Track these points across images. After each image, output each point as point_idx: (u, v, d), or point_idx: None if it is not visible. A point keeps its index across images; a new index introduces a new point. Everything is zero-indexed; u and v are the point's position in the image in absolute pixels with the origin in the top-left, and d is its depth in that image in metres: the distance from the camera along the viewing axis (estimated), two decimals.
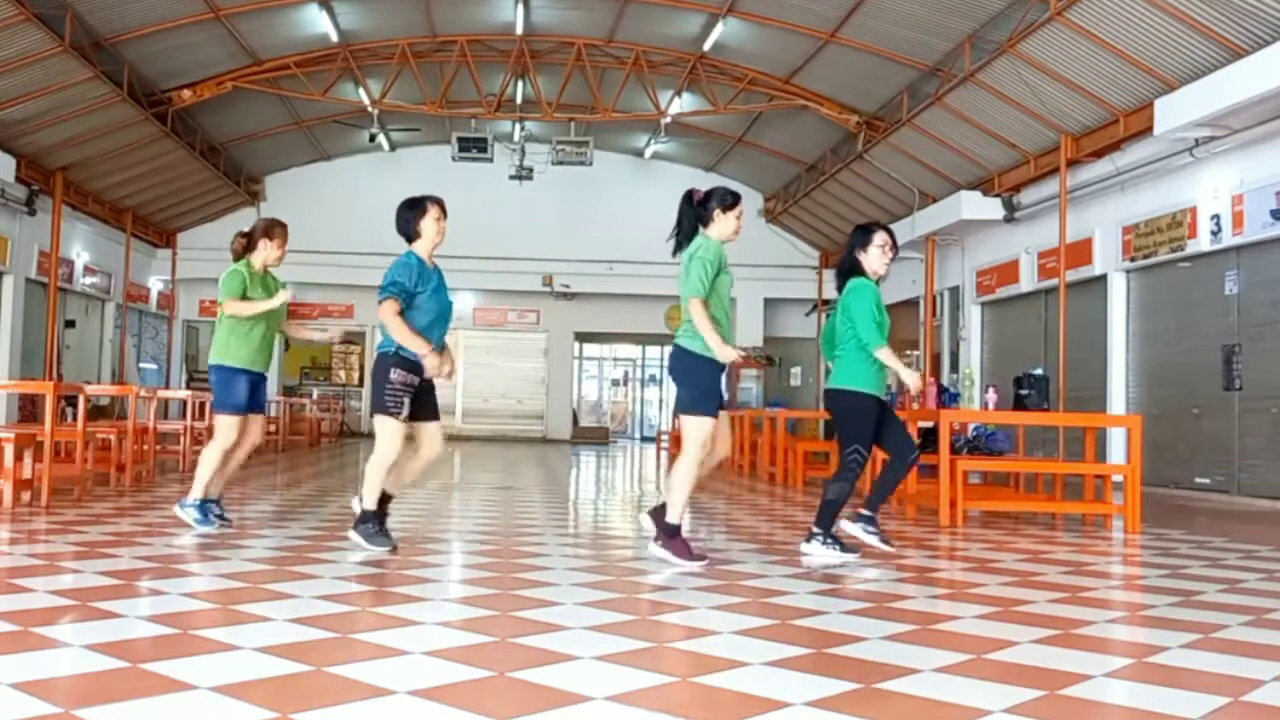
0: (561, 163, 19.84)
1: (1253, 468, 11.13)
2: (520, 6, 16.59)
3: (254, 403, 6.08)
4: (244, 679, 2.80)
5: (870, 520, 5.63)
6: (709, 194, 5.38)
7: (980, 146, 15.53)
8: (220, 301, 6.00)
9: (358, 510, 5.34)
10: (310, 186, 23.00)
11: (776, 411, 13.89)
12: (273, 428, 15.06)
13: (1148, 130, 11.82)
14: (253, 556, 5.04)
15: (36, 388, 10.47)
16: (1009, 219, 15.66)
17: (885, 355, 5.44)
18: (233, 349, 5.98)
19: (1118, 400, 13.33)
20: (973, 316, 17.46)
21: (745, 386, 23.93)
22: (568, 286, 23.94)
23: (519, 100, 19.83)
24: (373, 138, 20.38)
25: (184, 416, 11.59)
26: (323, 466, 12.51)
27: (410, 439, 5.35)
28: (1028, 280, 15.65)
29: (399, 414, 5.17)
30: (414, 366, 5.17)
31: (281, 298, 6.01)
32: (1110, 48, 11.88)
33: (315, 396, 21.34)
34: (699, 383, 5.10)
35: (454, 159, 19.19)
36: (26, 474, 6.90)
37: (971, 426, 8.60)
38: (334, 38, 17.01)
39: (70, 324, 18.97)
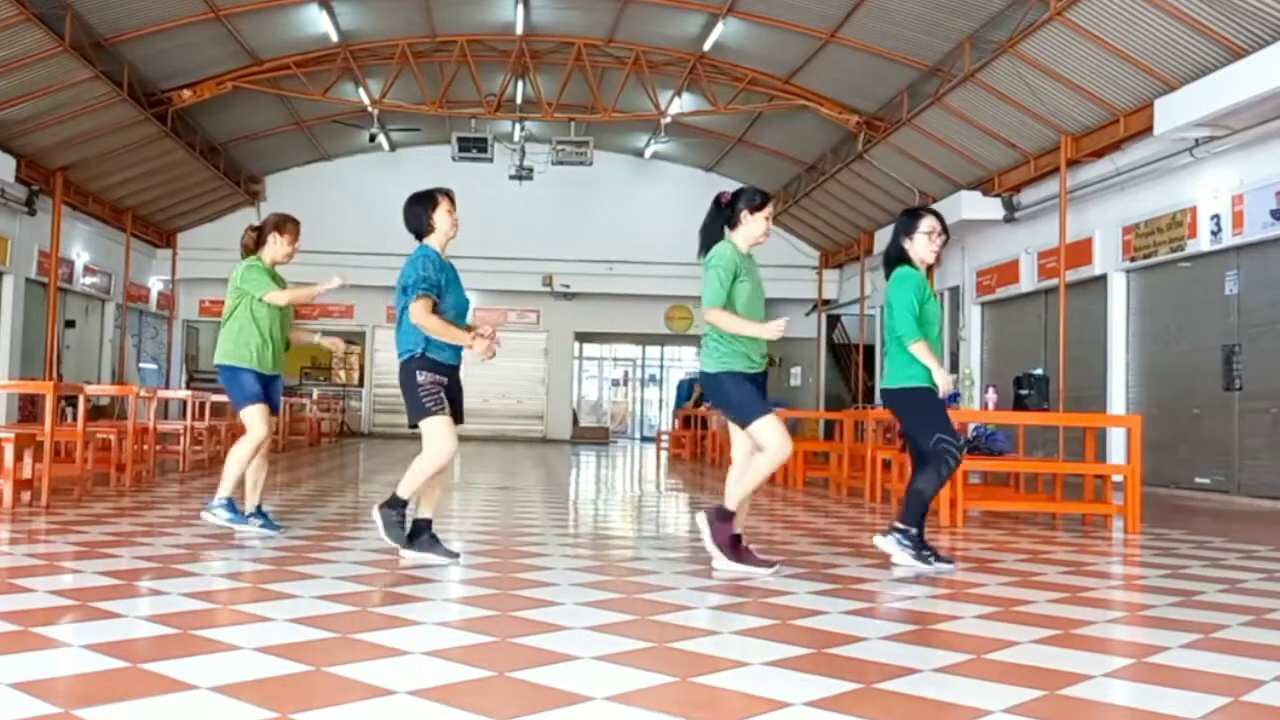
0: (561, 163, 19.84)
1: (1253, 468, 11.13)
2: (520, 6, 16.59)
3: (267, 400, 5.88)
4: (244, 679, 2.80)
5: (905, 533, 5.26)
6: (736, 195, 5.11)
7: (980, 146, 15.53)
8: (254, 295, 5.74)
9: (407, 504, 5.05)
10: (310, 186, 22.99)
11: (777, 411, 13.84)
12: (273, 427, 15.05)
13: (1148, 130, 11.82)
14: (253, 556, 5.04)
15: (36, 388, 10.47)
16: (1009, 219, 15.66)
17: (920, 351, 5.16)
18: (240, 350, 5.78)
19: (1118, 400, 13.33)
20: (973, 316, 17.46)
21: None
22: (568, 286, 23.94)
23: (519, 100, 19.84)
24: (373, 138, 20.38)
25: (184, 416, 11.59)
26: (323, 467, 12.51)
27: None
28: (1028, 280, 15.65)
29: (443, 409, 4.91)
30: (440, 367, 4.94)
31: (332, 283, 5.75)
32: (1110, 48, 11.88)
33: (315, 396, 21.33)
34: (733, 396, 4.94)
35: (454, 159, 19.20)
36: (26, 474, 6.90)
37: (971, 426, 8.59)
38: (334, 38, 17.02)
39: (70, 324, 18.97)
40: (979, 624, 3.90)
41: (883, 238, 18.38)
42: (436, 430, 4.89)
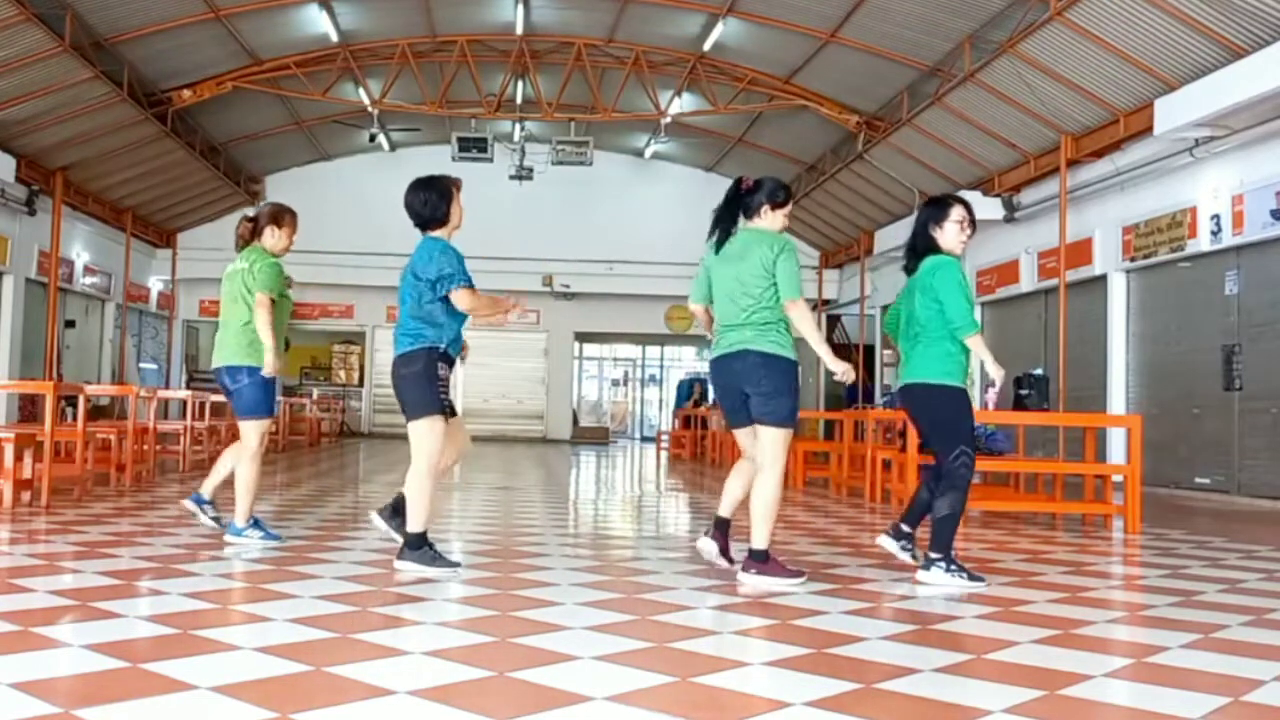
0: (561, 163, 19.84)
1: (1253, 468, 11.13)
2: (520, 6, 16.59)
3: None
4: (244, 679, 2.80)
5: (945, 559, 4.80)
6: (758, 183, 4.82)
7: (980, 146, 15.53)
8: (256, 290, 5.47)
9: (393, 533, 4.92)
10: (310, 186, 22.98)
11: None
12: (273, 428, 15.06)
13: (1148, 130, 11.82)
14: (253, 556, 5.04)
15: (36, 388, 10.46)
16: (1009, 219, 15.66)
17: (978, 344, 4.83)
18: (256, 351, 5.53)
19: (1118, 400, 13.33)
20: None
21: None
22: (568, 286, 23.94)
23: (519, 100, 19.84)
24: (373, 138, 20.37)
25: (184, 416, 11.59)
26: (322, 467, 12.51)
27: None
28: (1028, 280, 15.65)
29: (449, 408, 4.79)
30: (450, 361, 4.80)
31: (270, 367, 5.52)
32: (1110, 48, 11.88)
33: (315, 396, 21.32)
34: (794, 393, 4.67)
35: (454, 159, 19.16)
36: (26, 474, 6.90)
37: None
38: (334, 38, 17.01)
39: (70, 324, 18.96)
40: (979, 624, 3.90)
41: (883, 238, 18.40)
42: (436, 430, 4.70)
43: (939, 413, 4.93)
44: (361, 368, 25.30)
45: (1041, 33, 12.38)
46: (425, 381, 4.69)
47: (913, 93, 15.84)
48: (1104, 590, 4.94)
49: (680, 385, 24.93)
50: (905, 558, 5.15)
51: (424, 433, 4.71)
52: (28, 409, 16.10)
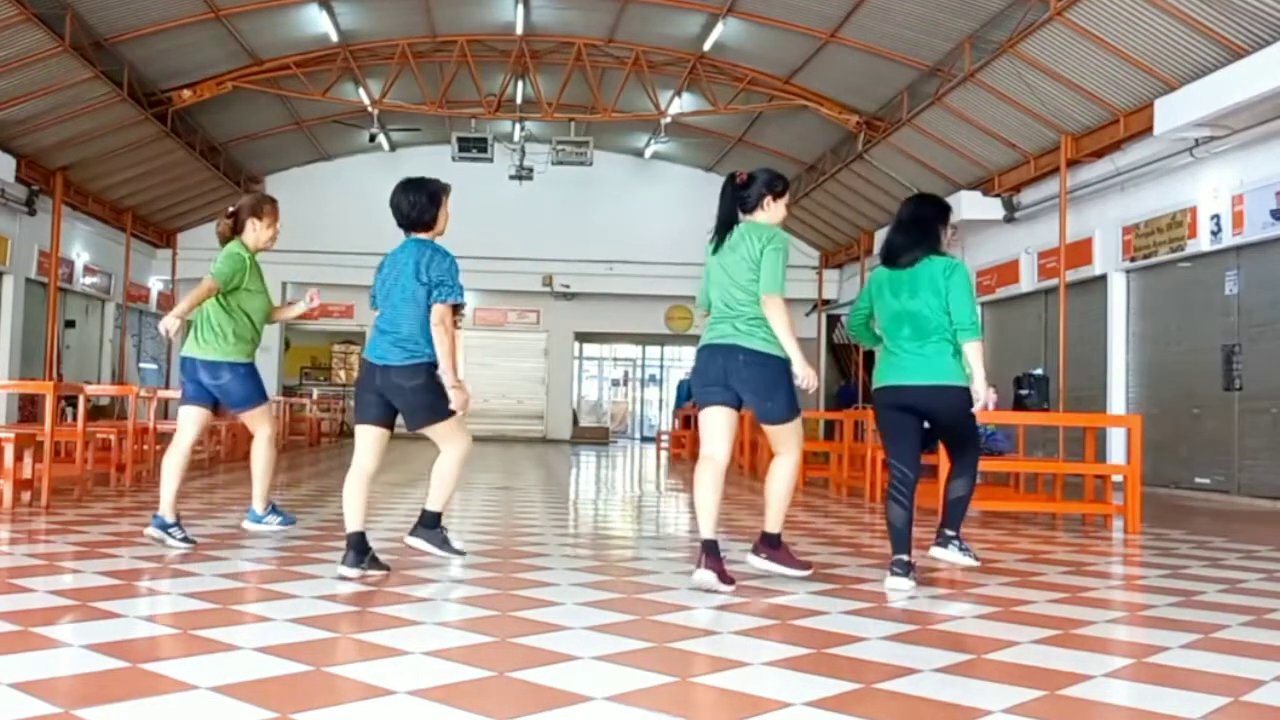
0: (561, 163, 19.85)
1: (1253, 468, 11.13)
2: (520, 6, 16.59)
3: None
4: (244, 679, 2.80)
5: (959, 538, 5.15)
6: (752, 176, 4.73)
7: (980, 146, 15.53)
8: (210, 271, 5.35)
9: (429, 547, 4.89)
10: (310, 186, 22.99)
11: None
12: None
13: (1148, 130, 11.82)
14: (253, 556, 5.04)
15: (36, 388, 10.47)
16: (1009, 219, 15.66)
17: (979, 351, 4.82)
18: (242, 346, 5.45)
19: (1118, 400, 13.33)
20: None
21: None
22: (568, 286, 23.94)
23: (519, 100, 19.84)
24: (373, 138, 20.37)
25: None
26: (322, 466, 12.50)
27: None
28: (1028, 280, 15.65)
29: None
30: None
31: (298, 308, 5.56)
32: (1110, 48, 11.88)
33: (315, 396, 21.33)
34: (790, 385, 4.59)
35: (454, 159, 19.19)
36: (26, 474, 6.90)
37: None
38: (334, 38, 17.01)
39: (70, 324, 18.96)
40: (979, 624, 3.90)
41: (883, 238, 18.37)
42: (461, 427, 4.77)
43: (966, 414, 4.90)
44: (361, 368, 25.30)
45: (1041, 33, 12.38)
46: (433, 391, 4.65)
47: (913, 93, 15.84)
48: (1104, 590, 4.93)
49: (680, 385, 24.90)
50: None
51: (452, 428, 4.74)
52: (28, 409, 16.10)
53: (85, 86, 14.84)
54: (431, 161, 21.50)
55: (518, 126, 20.91)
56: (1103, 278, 13.71)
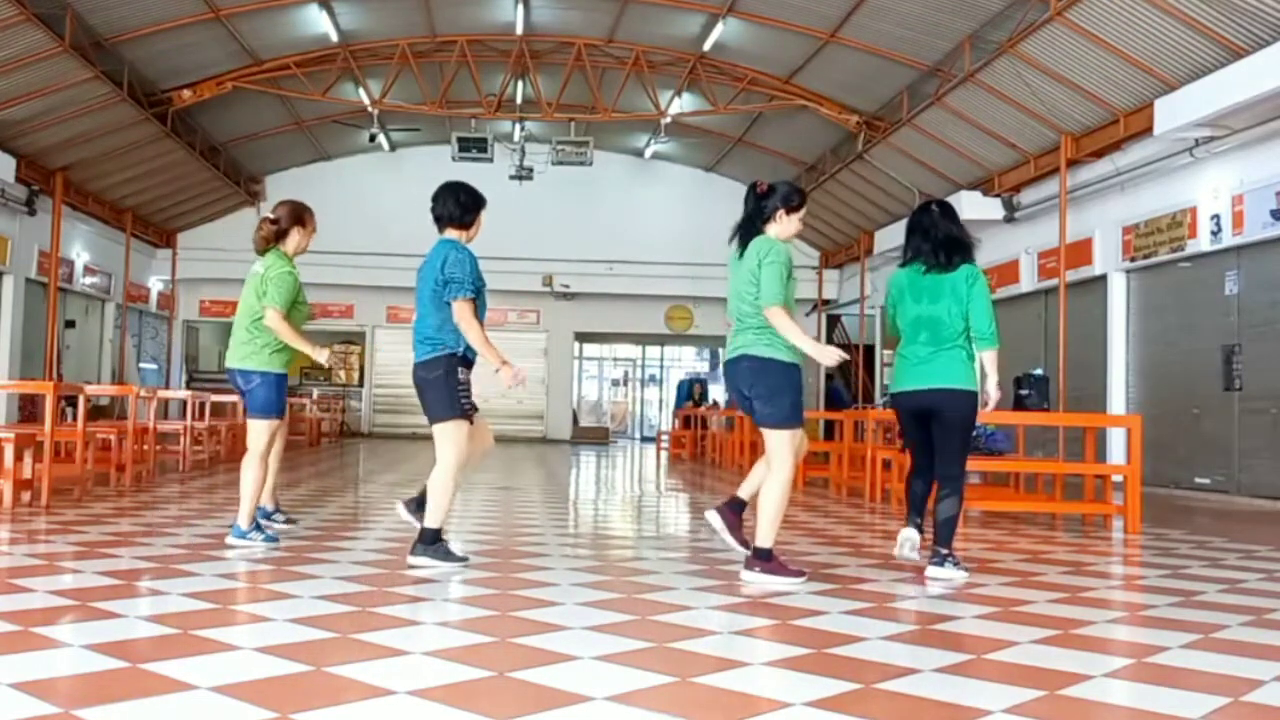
0: (561, 163, 19.85)
1: (1253, 468, 11.13)
2: (520, 6, 16.59)
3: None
4: (244, 679, 2.80)
5: (953, 555, 4.98)
6: (772, 188, 4.84)
7: (980, 146, 15.53)
8: (267, 304, 5.41)
9: (415, 524, 4.96)
10: (310, 186, 22.91)
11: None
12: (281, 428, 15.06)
13: (1148, 130, 11.82)
14: (253, 556, 5.04)
15: (36, 388, 10.47)
16: (1009, 219, 15.67)
17: (994, 361, 4.93)
18: (278, 357, 5.54)
19: (1118, 400, 13.33)
20: None
21: None
22: (568, 286, 23.94)
23: (519, 100, 19.84)
24: (373, 138, 20.38)
25: (184, 416, 11.58)
26: (323, 466, 12.50)
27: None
28: (1028, 280, 15.66)
29: (473, 411, 4.90)
30: (469, 363, 4.93)
31: (321, 356, 5.58)
32: (1110, 48, 11.89)
33: (315, 396, 21.33)
34: (793, 392, 4.69)
35: (454, 159, 19.19)
36: (26, 474, 6.90)
37: None
38: (334, 38, 17.02)
39: (70, 324, 18.97)
40: (979, 624, 3.90)
41: (883, 238, 18.38)
42: (460, 434, 4.85)
43: (969, 419, 4.97)
44: (361, 368, 25.31)
45: (1041, 33, 12.38)
46: (446, 386, 4.84)
47: (913, 93, 15.84)
48: (1104, 590, 4.94)
49: (680, 385, 24.92)
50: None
51: (448, 435, 4.86)
52: (28, 409, 16.10)
53: (85, 86, 14.84)
54: (431, 162, 21.57)
55: (518, 126, 20.91)
56: (1103, 278, 13.72)
